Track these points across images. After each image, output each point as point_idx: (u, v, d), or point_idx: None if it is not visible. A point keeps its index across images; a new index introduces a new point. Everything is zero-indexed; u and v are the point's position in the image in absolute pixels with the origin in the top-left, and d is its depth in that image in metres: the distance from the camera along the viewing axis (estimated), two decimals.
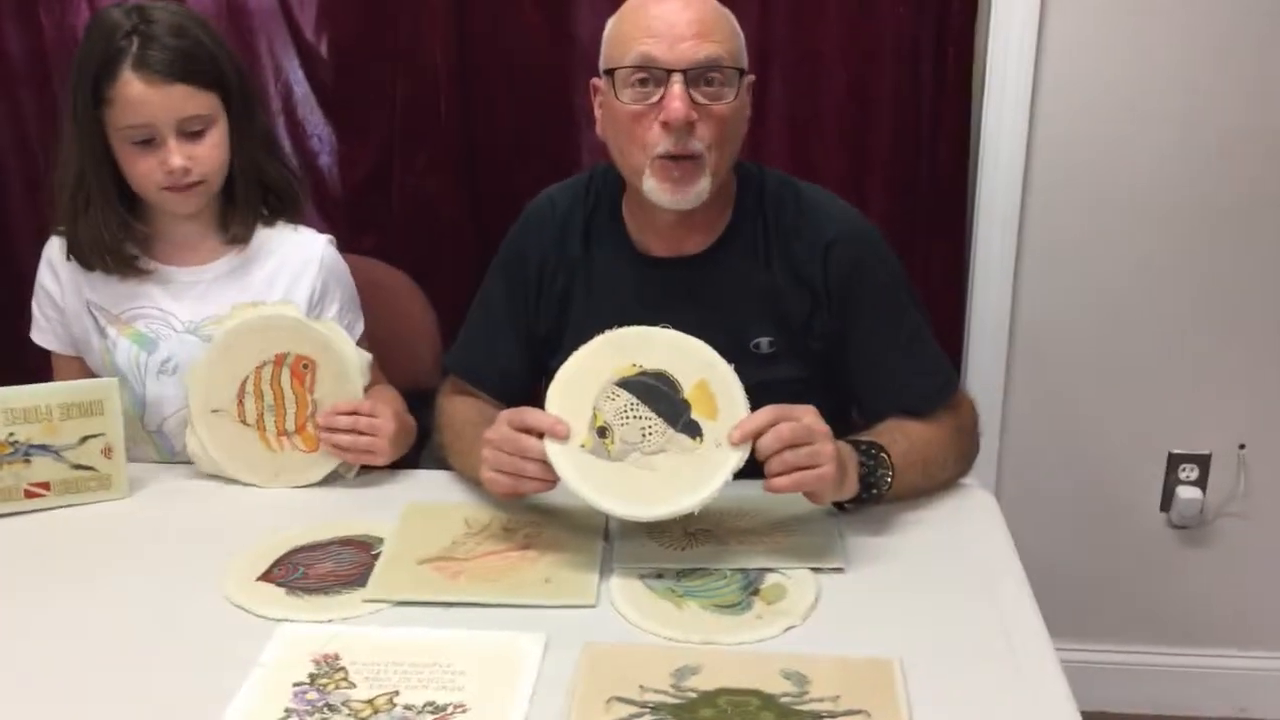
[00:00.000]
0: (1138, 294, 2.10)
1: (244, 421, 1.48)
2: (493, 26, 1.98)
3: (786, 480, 1.22)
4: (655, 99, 1.34)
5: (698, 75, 1.33)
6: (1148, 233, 2.07)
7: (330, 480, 1.49)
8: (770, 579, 1.23)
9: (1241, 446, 2.17)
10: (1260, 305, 2.09)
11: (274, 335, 1.47)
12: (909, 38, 1.95)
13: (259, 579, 1.25)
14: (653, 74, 1.34)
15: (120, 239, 1.53)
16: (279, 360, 1.47)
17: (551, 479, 1.26)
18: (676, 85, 1.32)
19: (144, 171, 1.48)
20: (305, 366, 1.47)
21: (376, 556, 1.30)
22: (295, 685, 1.07)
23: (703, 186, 1.37)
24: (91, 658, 1.13)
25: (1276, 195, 2.02)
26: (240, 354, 1.47)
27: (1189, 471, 2.19)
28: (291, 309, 1.51)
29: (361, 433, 1.45)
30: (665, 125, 1.33)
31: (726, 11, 1.39)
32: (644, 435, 1.24)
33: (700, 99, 1.34)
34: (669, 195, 1.38)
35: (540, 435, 1.25)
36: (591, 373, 1.27)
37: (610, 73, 1.37)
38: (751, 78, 1.44)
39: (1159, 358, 2.13)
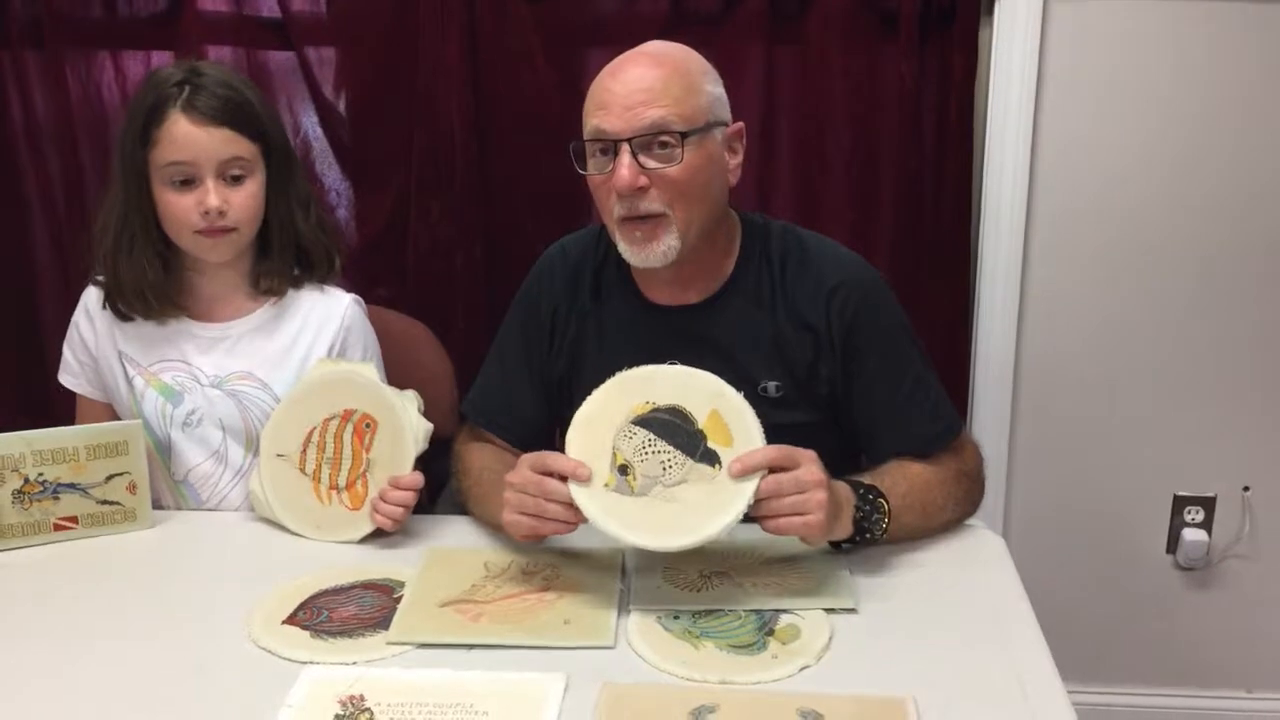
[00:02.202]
0: (1141, 338, 2.14)
1: (303, 470, 1.51)
2: (506, 83, 2.02)
3: (772, 524, 1.26)
4: (611, 168, 1.39)
5: (646, 141, 1.38)
6: (1150, 276, 2.11)
7: (368, 537, 1.49)
8: (785, 620, 1.26)
9: (1246, 489, 2.19)
10: (1263, 348, 2.12)
11: (347, 391, 1.51)
12: (912, 91, 1.99)
13: (284, 622, 1.28)
14: (606, 145, 1.39)
15: (161, 279, 1.57)
16: (346, 415, 1.51)
17: (573, 521, 1.29)
18: (624, 154, 1.38)
19: (180, 212, 1.51)
20: (368, 425, 1.50)
21: (398, 600, 1.32)
22: None
23: (669, 244, 1.42)
24: (120, 702, 1.15)
25: (1277, 240, 2.06)
26: (313, 404, 1.52)
27: (1194, 514, 2.21)
28: (370, 369, 1.56)
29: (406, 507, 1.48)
30: (617, 192, 1.39)
31: (689, 68, 1.42)
32: (664, 468, 1.27)
33: (651, 163, 1.38)
34: (635, 255, 1.44)
35: (563, 479, 1.28)
36: (607, 414, 1.31)
37: (578, 148, 1.44)
38: (737, 126, 1.47)
39: (1163, 401, 2.16)
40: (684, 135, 1.38)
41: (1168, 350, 2.14)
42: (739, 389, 1.38)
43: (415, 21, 2.00)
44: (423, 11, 1.99)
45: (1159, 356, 2.14)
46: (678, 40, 1.48)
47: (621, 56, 1.43)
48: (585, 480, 1.27)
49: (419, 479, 1.48)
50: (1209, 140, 2.03)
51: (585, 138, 1.42)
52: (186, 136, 1.48)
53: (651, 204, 1.40)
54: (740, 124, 1.48)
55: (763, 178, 2.05)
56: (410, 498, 1.47)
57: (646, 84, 1.38)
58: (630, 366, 1.35)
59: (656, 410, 1.30)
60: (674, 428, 1.29)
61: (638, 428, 1.29)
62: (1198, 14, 1.97)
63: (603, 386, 1.33)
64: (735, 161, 1.48)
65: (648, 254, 1.43)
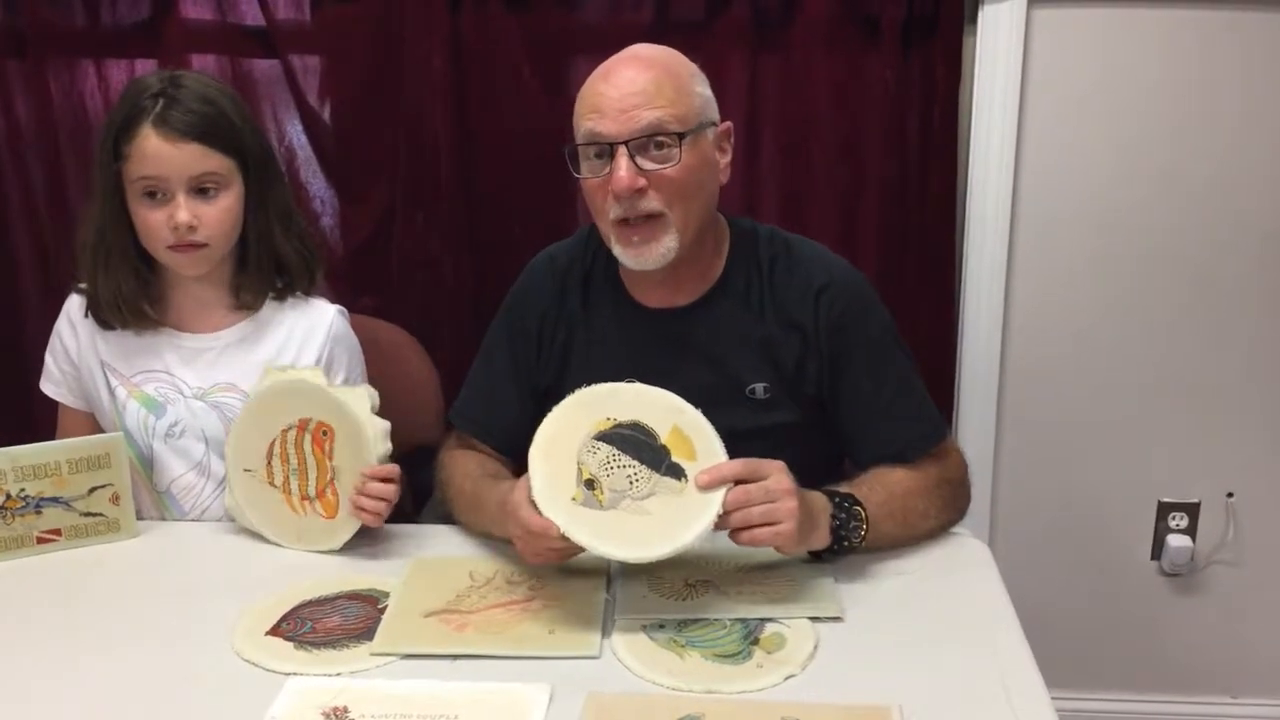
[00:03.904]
0: (1126, 344, 2.14)
1: (272, 483, 1.50)
2: (491, 92, 2.02)
3: (745, 535, 1.27)
4: (607, 170, 1.39)
5: (642, 143, 1.38)
6: (1134, 283, 2.11)
7: (351, 546, 1.48)
8: (770, 628, 1.26)
9: (1230, 495, 2.20)
10: (1247, 355, 2.13)
11: (297, 401, 1.49)
12: (895, 98, 2.00)
13: (268, 633, 1.28)
14: (601, 148, 1.39)
15: (137, 293, 1.56)
16: (302, 425, 1.48)
17: (573, 550, 1.27)
18: (621, 157, 1.38)
19: (152, 226, 1.50)
20: (325, 433, 1.48)
21: (383, 610, 1.32)
22: None
23: (668, 245, 1.42)
24: (103, 714, 1.15)
25: (1259, 247, 2.08)
26: (268, 417, 1.50)
27: (1179, 520, 2.22)
28: (316, 375, 1.52)
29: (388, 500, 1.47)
30: (615, 195, 1.39)
31: (678, 70, 1.42)
32: (631, 482, 1.27)
33: (648, 165, 1.38)
34: (632, 258, 1.44)
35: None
36: (568, 431, 1.30)
37: (572, 151, 1.43)
38: (725, 125, 1.47)
39: (1147, 407, 2.17)
40: (681, 136, 1.39)
41: (1152, 357, 2.15)
42: (727, 391, 1.39)
43: (400, 30, 2.00)
44: (407, 20, 1.99)
45: (1143, 363, 2.15)
46: None
47: (610, 60, 1.44)
48: (556, 535, 1.24)
49: (396, 468, 1.46)
50: (1192, 148, 2.04)
51: (579, 142, 1.42)
52: (157, 152, 1.47)
53: (650, 203, 1.40)
54: (728, 123, 1.49)
55: (748, 184, 2.05)
56: (391, 490, 1.45)
57: (639, 86, 1.38)
58: (618, 368, 1.35)
59: (619, 426, 1.30)
60: (637, 443, 1.29)
61: (601, 443, 1.29)
62: (1180, 22, 1.98)
63: (561, 404, 1.32)
64: (725, 160, 1.49)
65: (646, 257, 1.43)
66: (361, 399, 1.50)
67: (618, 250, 1.45)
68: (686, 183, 1.41)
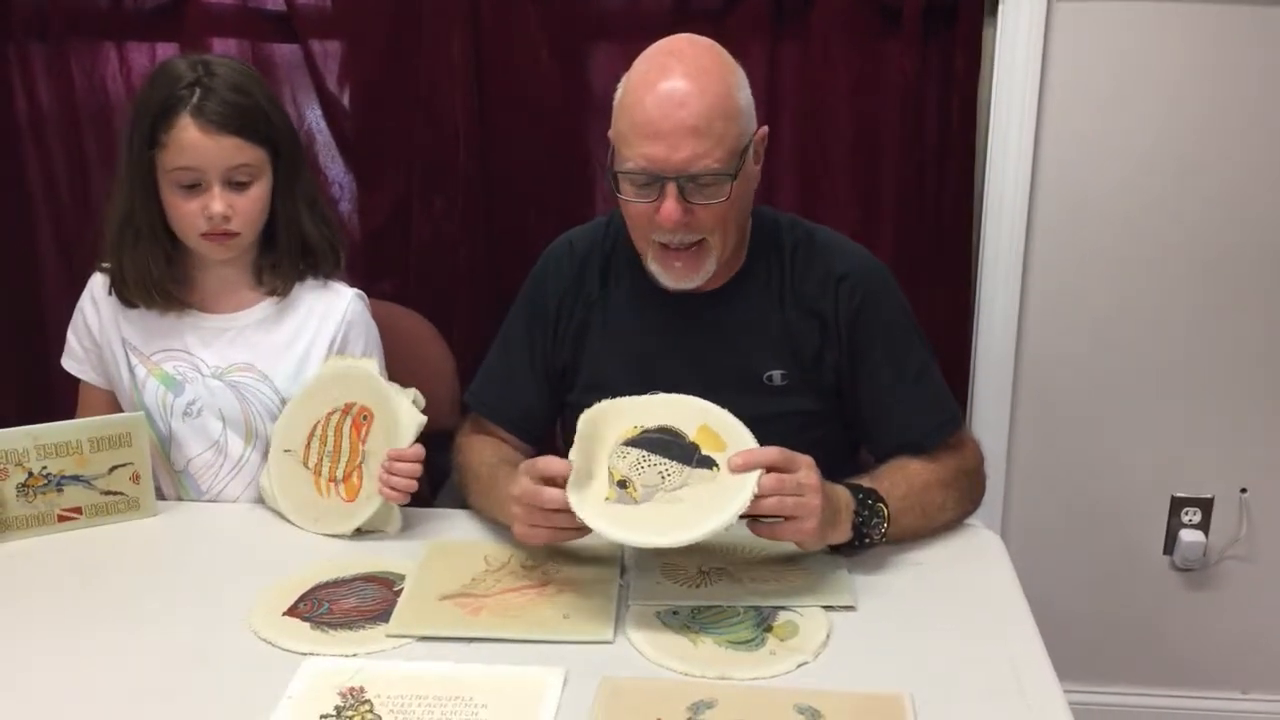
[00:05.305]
0: (1141, 339, 2.14)
1: (306, 465, 1.52)
2: (510, 77, 2.03)
3: (767, 530, 1.28)
4: (654, 197, 1.38)
5: (691, 180, 1.36)
6: (1150, 278, 2.11)
7: (366, 534, 1.49)
8: (783, 616, 1.26)
9: (1243, 490, 2.20)
10: (1262, 351, 2.12)
11: (348, 385, 1.52)
12: (914, 87, 2.00)
13: (285, 613, 1.29)
14: (650, 179, 1.37)
15: (164, 272, 1.57)
16: (347, 409, 1.52)
17: (582, 526, 1.27)
18: (670, 197, 1.36)
19: (186, 214, 1.52)
20: (365, 417, 1.50)
21: (398, 593, 1.33)
22: (322, 717, 1.10)
23: (708, 269, 1.44)
24: (121, 691, 1.16)
25: (1278, 243, 2.07)
26: (318, 399, 1.54)
27: (1191, 515, 2.22)
28: (371, 364, 1.56)
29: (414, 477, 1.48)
30: (662, 226, 1.38)
31: (726, 81, 1.38)
32: (663, 477, 1.27)
33: (699, 199, 1.37)
34: (671, 280, 1.45)
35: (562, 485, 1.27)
36: (596, 439, 1.30)
37: (613, 166, 1.41)
38: (762, 131, 1.46)
39: (1162, 402, 2.17)
40: (732, 176, 1.37)
41: (1167, 351, 2.14)
42: (744, 377, 1.38)
43: (419, 15, 2.00)
44: (427, 5, 1.99)
45: (1158, 357, 2.15)
46: None
47: (657, 65, 1.38)
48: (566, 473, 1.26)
49: (420, 450, 1.47)
50: (1211, 142, 2.03)
51: (627, 168, 1.38)
52: (195, 144, 1.48)
53: (695, 233, 1.40)
54: (765, 129, 1.46)
55: (766, 173, 2.02)
56: (415, 469, 1.46)
57: (692, 114, 1.33)
58: (635, 350, 1.35)
59: (646, 432, 1.31)
60: (666, 444, 1.29)
61: (629, 448, 1.29)
62: (1201, 15, 1.97)
63: (584, 418, 1.32)
64: (759, 167, 1.47)
65: (685, 280, 1.44)
66: (407, 394, 1.51)
67: (655, 268, 1.45)
68: (731, 210, 1.40)
